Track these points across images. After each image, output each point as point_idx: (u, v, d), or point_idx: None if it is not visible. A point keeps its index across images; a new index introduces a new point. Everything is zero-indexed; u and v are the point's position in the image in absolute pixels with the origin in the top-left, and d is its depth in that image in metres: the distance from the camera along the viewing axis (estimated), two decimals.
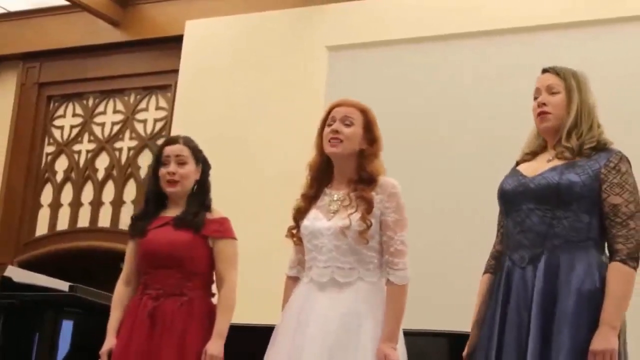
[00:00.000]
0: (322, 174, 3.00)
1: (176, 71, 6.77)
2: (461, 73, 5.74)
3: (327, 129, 2.96)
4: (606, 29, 5.42)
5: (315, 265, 2.91)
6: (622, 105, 5.22)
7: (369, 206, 2.85)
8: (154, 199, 3.51)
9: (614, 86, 5.25)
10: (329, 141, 2.92)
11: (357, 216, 2.85)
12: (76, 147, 7.39)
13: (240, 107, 6.38)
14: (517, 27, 5.66)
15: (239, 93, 6.41)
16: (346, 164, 2.95)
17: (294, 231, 3.01)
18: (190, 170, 3.48)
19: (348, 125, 2.92)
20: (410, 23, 5.98)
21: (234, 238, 3.43)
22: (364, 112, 2.97)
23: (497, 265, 2.86)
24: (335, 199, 2.94)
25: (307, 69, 6.23)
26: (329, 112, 2.99)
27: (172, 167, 3.45)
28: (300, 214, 2.99)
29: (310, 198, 2.99)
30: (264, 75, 6.36)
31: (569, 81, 2.80)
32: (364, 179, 2.90)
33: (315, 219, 2.93)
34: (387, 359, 2.76)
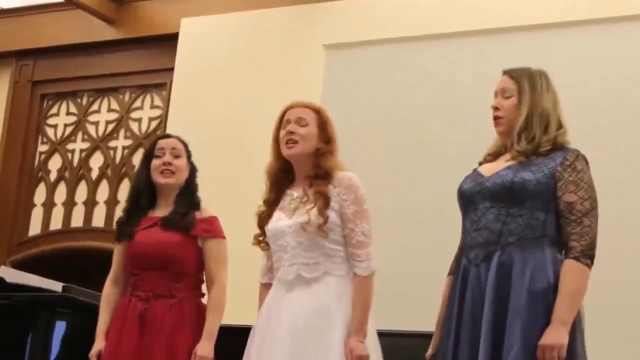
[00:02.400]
0: (281, 178, 3.06)
1: (171, 69, 6.72)
2: (460, 72, 5.70)
3: (282, 132, 3.02)
4: (606, 28, 5.38)
5: (281, 265, 2.95)
6: (622, 105, 5.21)
7: (325, 200, 2.90)
8: (145, 193, 3.48)
9: (614, 86, 5.26)
10: (286, 143, 2.98)
11: (316, 211, 2.90)
12: (70, 146, 7.33)
13: (236, 106, 6.34)
14: (516, 26, 5.62)
15: (235, 91, 6.37)
16: (304, 163, 3.01)
17: (260, 238, 3.07)
18: (184, 165, 3.49)
19: (303, 126, 2.99)
20: (408, 21, 5.94)
21: (223, 237, 3.43)
22: (318, 112, 3.04)
23: (457, 266, 2.89)
24: (294, 197, 2.99)
25: (304, 68, 6.18)
26: (282, 116, 3.05)
27: (168, 157, 3.45)
28: (263, 219, 3.05)
29: (272, 203, 3.05)
30: (260, 74, 6.32)
31: (521, 84, 2.83)
32: (320, 175, 2.96)
33: (278, 220, 2.99)
34: (352, 352, 2.77)
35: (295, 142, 2.97)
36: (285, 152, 3.00)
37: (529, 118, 2.80)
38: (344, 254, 2.92)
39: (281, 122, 3.05)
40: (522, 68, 2.91)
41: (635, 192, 5.04)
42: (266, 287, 3.08)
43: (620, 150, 5.11)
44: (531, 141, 2.78)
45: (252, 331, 2.99)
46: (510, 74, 2.89)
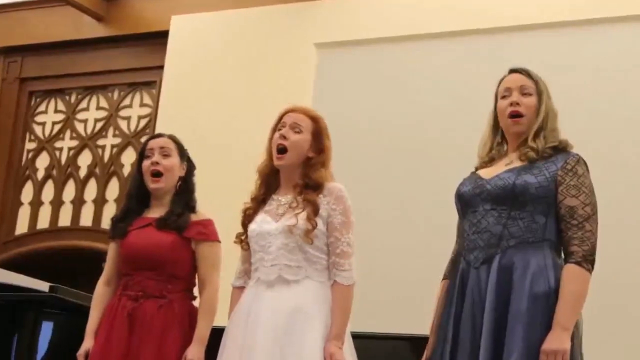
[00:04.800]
0: (271, 178, 3.05)
1: (161, 67, 6.68)
2: (453, 71, 5.68)
3: (276, 135, 3.00)
4: (604, 29, 5.39)
5: (262, 265, 2.94)
6: (620, 105, 5.21)
7: (314, 208, 2.90)
8: (137, 195, 3.45)
9: (611, 86, 5.26)
10: (277, 149, 2.96)
11: (304, 215, 2.91)
12: (58, 144, 7.28)
13: (226, 105, 6.30)
14: (511, 25, 5.61)
15: (226, 90, 6.33)
16: (293, 171, 3.00)
17: (243, 237, 3.05)
18: (175, 164, 3.42)
19: (297, 132, 2.97)
20: (401, 21, 5.92)
21: (218, 241, 3.39)
22: (315, 120, 3.02)
23: (453, 269, 2.88)
24: (282, 202, 2.98)
25: (296, 66, 6.15)
26: (280, 118, 3.02)
27: (156, 157, 3.40)
28: (248, 217, 3.03)
29: (259, 201, 3.04)
30: (251, 72, 6.28)
31: (540, 84, 2.84)
32: (310, 185, 2.95)
33: (263, 222, 2.98)
34: (332, 358, 2.76)
35: (285, 149, 2.96)
36: (275, 162, 3.00)
37: (546, 119, 2.82)
38: (325, 262, 2.93)
39: (278, 124, 3.03)
40: (531, 69, 2.90)
41: (634, 193, 5.03)
42: (239, 290, 3.07)
43: (620, 151, 5.12)
44: (543, 139, 2.79)
45: (224, 333, 2.97)
46: (528, 73, 2.87)
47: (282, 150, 2.97)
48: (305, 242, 2.89)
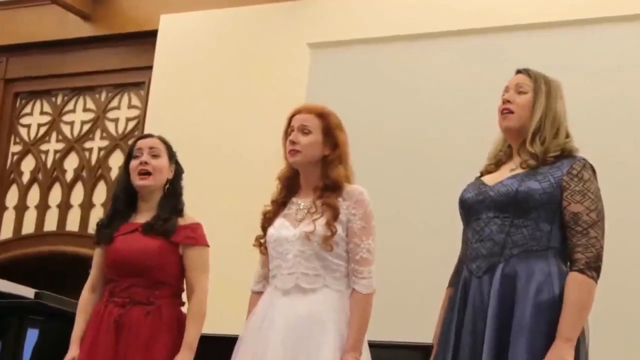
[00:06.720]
0: (291, 183, 3.02)
1: (150, 68, 6.63)
2: (451, 72, 5.63)
3: (287, 140, 2.99)
4: (601, 28, 5.36)
5: (279, 273, 2.91)
6: (620, 105, 5.18)
7: (334, 212, 2.86)
8: (124, 197, 3.39)
9: (609, 85, 5.22)
10: (288, 152, 2.95)
11: (322, 221, 2.86)
12: (44, 147, 7.21)
13: (217, 106, 6.24)
14: (511, 25, 5.57)
15: (216, 91, 6.27)
16: (310, 172, 2.96)
17: (262, 240, 3.03)
18: (164, 165, 3.37)
19: (306, 134, 2.93)
20: (396, 20, 5.88)
21: (206, 245, 3.35)
22: (323, 117, 2.96)
23: (456, 277, 2.84)
24: (301, 207, 2.95)
25: (288, 67, 6.10)
26: (289, 121, 3.00)
27: (145, 157, 3.35)
28: (267, 220, 3.00)
29: (279, 204, 3.01)
30: (243, 72, 6.22)
31: (539, 83, 2.80)
32: (329, 186, 2.91)
33: (281, 227, 2.94)
34: None
35: (297, 151, 2.92)
36: (289, 159, 2.96)
37: (543, 119, 2.75)
38: (344, 269, 2.87)
39: (288, 127, 2.99)
40: (538, 71, 2.85)
41: (634, 193, 5.01)
42: (258, 295, 3.02)
43: (620, 151, 5.09)
44: (543, 143, 2.73)
45: (238, 340, 2.92)
46: (528, 72, 2.83)
47: (294, 152, 2.94)
48: (324, 250, 2.84)
